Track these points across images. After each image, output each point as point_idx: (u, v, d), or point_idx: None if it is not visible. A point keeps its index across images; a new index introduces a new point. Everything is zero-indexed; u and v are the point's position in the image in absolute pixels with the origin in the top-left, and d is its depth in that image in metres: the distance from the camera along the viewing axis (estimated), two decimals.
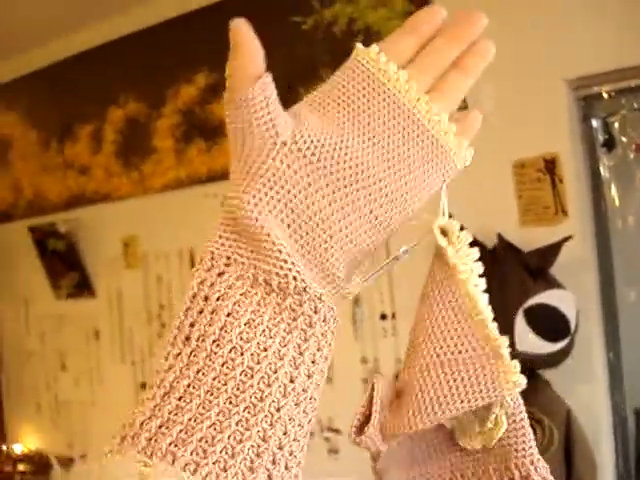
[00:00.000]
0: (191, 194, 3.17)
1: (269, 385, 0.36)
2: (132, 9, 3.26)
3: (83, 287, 3.56)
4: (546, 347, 2.10)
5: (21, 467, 3.66)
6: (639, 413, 2.73)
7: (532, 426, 1.74)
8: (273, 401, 0.36)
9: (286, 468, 0.36)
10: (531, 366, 2.14)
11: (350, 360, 2.66)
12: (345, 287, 0.44)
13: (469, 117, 0.48)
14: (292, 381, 0.37)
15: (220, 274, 0.40)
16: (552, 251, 2.10)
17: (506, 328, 2.08)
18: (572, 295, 2.12)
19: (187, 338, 0.39)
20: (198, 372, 0.37)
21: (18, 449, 3.79)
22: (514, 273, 2.13)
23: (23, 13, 3.22)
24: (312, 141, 0.43)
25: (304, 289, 0.39)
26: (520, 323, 2.09)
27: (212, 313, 0.39)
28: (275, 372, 0.37)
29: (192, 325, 0.39)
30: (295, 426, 0.37)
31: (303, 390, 0.38)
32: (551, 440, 2.04)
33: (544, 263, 2.12)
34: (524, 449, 0.50)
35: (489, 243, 2.21)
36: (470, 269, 0.48)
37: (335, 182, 0.42)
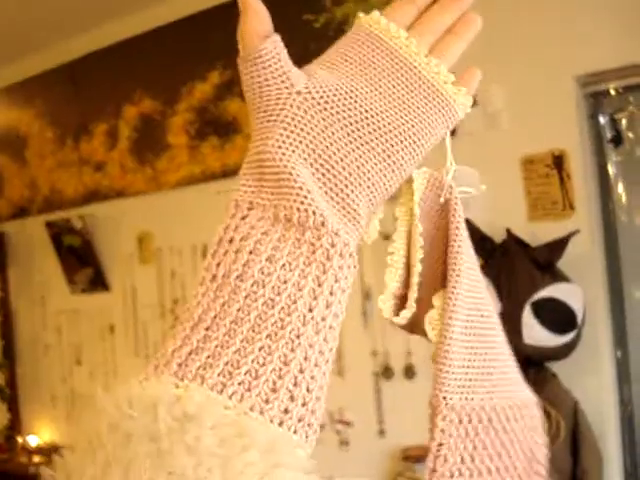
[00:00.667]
0: (204, 190, 3.21)
1: (289, 314, 0.39)
2: (146, 8, 3.31)
3: (98, 282, 3.61)
4: (554, 340, 2.13)
5: (36, 459, 3.72)
6: None
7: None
8: (293, 329, 0.39)
9: (307, 390, 0.39)
10: (539, 358, 2.17)
11: (360, 353, 2.69)
12: (363, 228, 0.47)
13: (468, 71, 0.52)
14: (311, 310, 0.40)
15: (243, 217, 0.44)
16: (559, 245, 2.13)
17: (514, 321, 2.12)
18: (579, 288, 2.15)
19: (214, 277, 0.42)
20: (224, 305, 0.40)
21: (33, 441, 3.85)
22: (522, 267, 2.17)
23: (39, 12, 3.28)
24: (324, 90, 0.47)
25: (322, 223, 0.42)
26: (528, 316, 2.12)
27: (236, 252, 0.42)
28: (295, 302, 0.40)
29: (218, 265, 0.42)
30: (315, 352, 0.40)
31: (322, 319, 0.41)
32: (558, 432, 2.07)
33: (552, 257, 2.15)
34: None
35: (498, 238, 2.24)
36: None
37: (349, 126, 0.46)
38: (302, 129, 0.45)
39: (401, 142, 0.47)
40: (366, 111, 0.47)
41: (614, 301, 2.39)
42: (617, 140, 2.31)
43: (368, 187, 0.46)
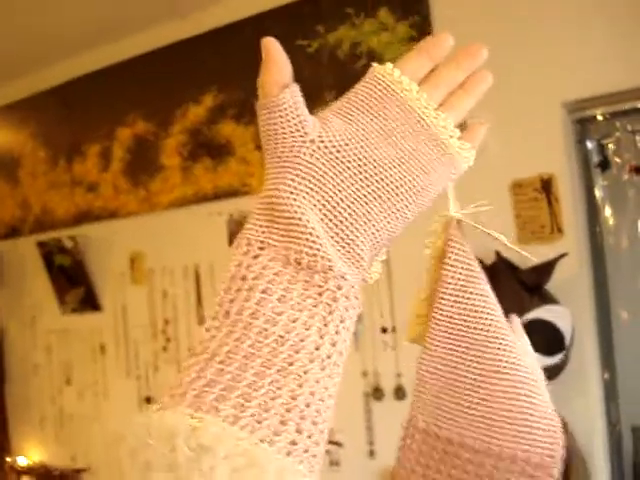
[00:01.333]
0: (197, 212, 3.24)
1: (297, 351, 0.42)
2: (141, 31, 3.35)
3: (88, 302, 3.61)
4: (542, 361, 2.16)
5: (25, 479, 3.70)
6: (636, 430, 2.77)
7: None
8: (301, 365, 0.42)
9: (313, 423, 0.41)
10: None
11: (351, 373, 2.71)
12: (367, 271, 0.50)
13: (474, 127, 0.56)
14: (317, 348, 0.43)
15: (255, 257, 0.46)
16: (548, 268, 2.17)
17: None
18: (567, 310, 2.18)
19: (227, 312, 0.44)
20: (237, 340, 0.42)
21: (22, 461, 3.83)
22: (511, 289, 2.20)
23: (32, 33, 3.31)
24: (336, 139, 0.50)
25: (330, 267, 0.45)
26: None
27: (249, 290, 0.44)
28: (303, 340, 0.42)
29: (231, 302, 0.45)
30: (320, 387, 0.42)
31: (327, 356, 0.43)
32: None
33: (540, 279, 2.19)
34: None
35: (487, 260, 2.28)
36: None
37: (358, 174, 0.49)
38: (313, 176, 0.48)
39: (406, 192, 0.50)
40: (375, 161, 0.50)
41: (602, 323, 2.43)
42: (604, 165, 2.36)
43: (373, 233, 0.49)
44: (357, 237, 0.48)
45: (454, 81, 0.55)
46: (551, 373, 2.21)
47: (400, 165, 0.50)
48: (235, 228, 3.12)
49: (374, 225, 0.49)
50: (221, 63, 3.12)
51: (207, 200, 3.23)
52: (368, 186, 0.49)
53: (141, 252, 3.44)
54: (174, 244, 3.29)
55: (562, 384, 2.24)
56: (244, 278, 0.45)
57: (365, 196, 0.49)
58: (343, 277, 0.46)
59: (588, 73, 2.25)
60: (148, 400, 3.36)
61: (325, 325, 0.44)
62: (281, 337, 0.42)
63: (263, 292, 0.44)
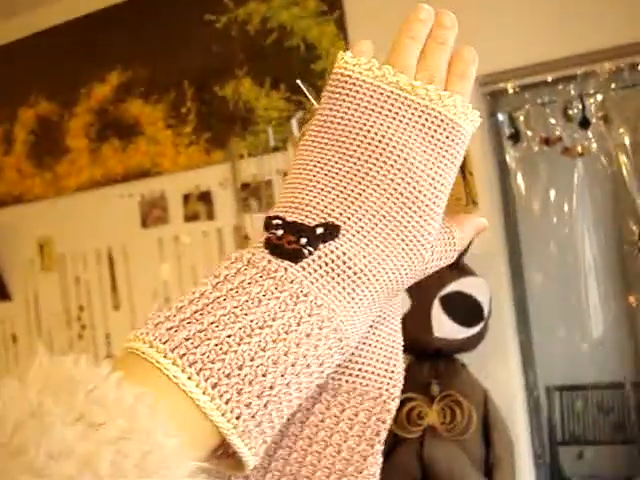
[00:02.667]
0: (107, 194, 3.15)
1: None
2: (41, 6, 3.19)
3: None
4: (462, 332, 2.20)
5: None
6: (549, 390, 2.87)
7: (452, 408, 1.83)
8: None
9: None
10: (449, 351, 2.24)
11: None
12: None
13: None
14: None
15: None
16: None
17: (424, 316, 2.18)
18: (485, 281, 2.22)
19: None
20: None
21: None
22: None
23: None
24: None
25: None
26: (437, 310, 2.18)
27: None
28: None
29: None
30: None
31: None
32: (470, 421, 2.13)
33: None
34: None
35: None
36: None
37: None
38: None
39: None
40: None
41: (517, 291, 2.49)
42: (515, 137, 2.40)
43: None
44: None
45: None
46: (472, 343, 2.25)
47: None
48: (147, 209, 3.05)
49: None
50: (126, 39, 3.01)
51: (117, 182, 3.15)
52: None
53: (50, 237, 3.32)
54: (85, 228, 3.19)
55: (482, 353, 2.29)
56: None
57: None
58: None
59: (499, 46, 2.27)
60: None
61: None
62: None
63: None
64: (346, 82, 0.49)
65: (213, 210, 2.91)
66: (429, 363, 2.26)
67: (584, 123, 2.39)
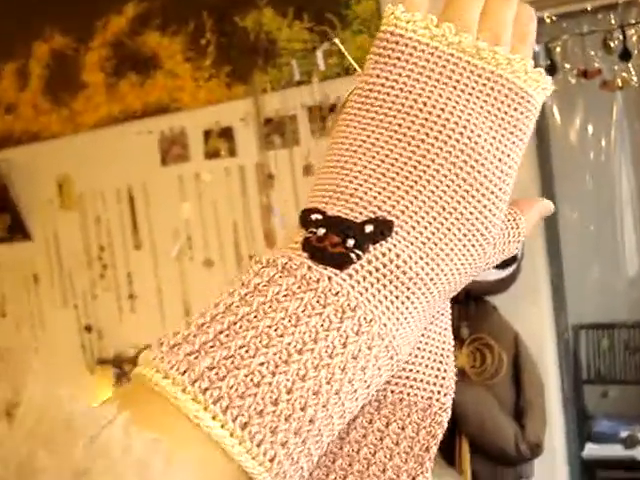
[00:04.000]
0: (125, 131, 3.08)
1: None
2: None
3: (17, 231, 3.44)
4: (494, 274, 2.13)
5: None
6: (575, 328, 2.82)
7: (482, 352, 1.78)
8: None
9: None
10: (479, 293, 2.17)
11: None
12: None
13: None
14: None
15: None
16: None
17: None
18: None
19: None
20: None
21: None
22: None
23: None
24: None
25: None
26: None
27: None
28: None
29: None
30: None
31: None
32: (501, 364, 2.09)
33: None
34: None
35: None
36: None
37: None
38: None
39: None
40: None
41: (550, 227, 2.41)
42: (552, 69, 2.28)
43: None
44: None
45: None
46: (503, 285, 2.19)
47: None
48: (167, 146, 2.97)
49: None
50: None
51: (136, 118, 3.07)
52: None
53: (69, 176, 3.27)
54: (104, 166, 3.12)
55: (513, 295, 2.23)
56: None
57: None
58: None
59: None
60: (88, 329, 3.25)
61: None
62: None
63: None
64: (397, 43, 0.40)
65: (235, 147, 2.83)
66: (459, 306, 2.20)
67: (625, 55, 2.27)
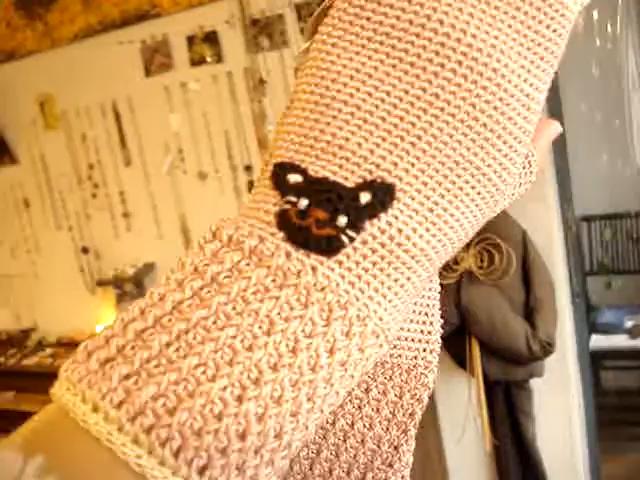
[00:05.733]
0: (105, 42, 2.93)
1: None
2: None
3: (1, 154, 3.34)
4: None
5: None
6: (579, 221, 2.78)
7: (489, 251, 1.71)
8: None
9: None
10: None
11: None
12: None
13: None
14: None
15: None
16: None
17: None
18: None
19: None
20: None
21: None
22: None
23: None
24: None
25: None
26: None
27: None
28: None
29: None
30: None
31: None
32: (509, 263, 2.04)
33: None
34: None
35: None
36: None
37: None
38: None
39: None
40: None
41: (554, 117, 2.32)
42: None
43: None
44: None
45: None
46: None
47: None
48: (150, 56, 2.84)
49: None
50: None
51: (115, 28, 2.92)
52: None
53: (50, 94, 3.14)
54: (85, 81, 3.00)
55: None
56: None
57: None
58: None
59: None
60: (85, 250, 3.20)
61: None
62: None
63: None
64: None
65: (221, 52, 2.69)
66: None
67: None
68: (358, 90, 0.29)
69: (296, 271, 0.26)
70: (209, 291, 0.26)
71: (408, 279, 0.29)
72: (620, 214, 3.05)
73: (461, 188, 0.29)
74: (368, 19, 0.30)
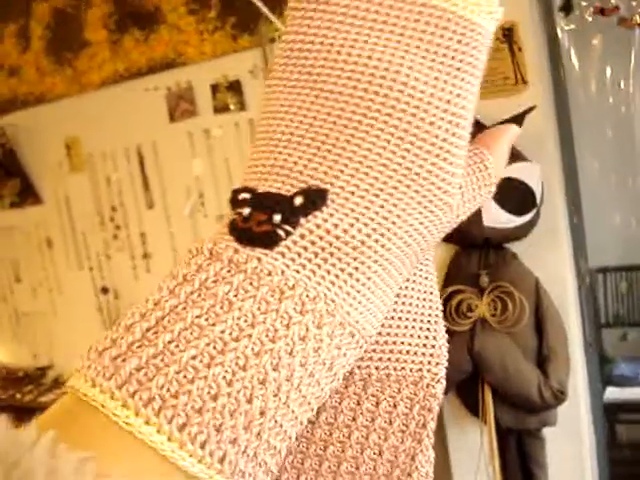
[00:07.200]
0: (131, 88, 3.02)
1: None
2: None
3: (28, 195, 3.42)
4: (513, 221, 2.09)
5: None
6: (592, 272, 2.79)
7: (503, 299, 1.74)
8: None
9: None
10: (499, 240, 2.14)
11: None
12: None
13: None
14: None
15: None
16: (516, 122, 2.05)
17: None
18: (537, 166, 2.09)
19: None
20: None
21: None
22: None
23: None
24: None
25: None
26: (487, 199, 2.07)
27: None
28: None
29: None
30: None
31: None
32: (522, 312, 2.06)
33: None
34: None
35: None
36: None
37: None
38: None
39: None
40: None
41: (569, 172, 2.36)
42: (567, 8, 2.21)
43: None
44: None
45: None
46: (523, 232, 2.15)
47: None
48: (174, 103, 2.92)
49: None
50: None
51: (141, 75, 3.01)
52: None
53: (76, 137, 3.23)
54: (111, 126, 3.08)
55: (533, 241, 2.19)
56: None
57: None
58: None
59: None
60: (104, 290, 3.25)
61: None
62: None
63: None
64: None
65: (244, 100, 2.77)
66: (478, 253, 2.17)
67: None
68: (292, 120, 0.35)
69: (244, 260, 0.31)
70: (180, 287, 0.32)
71: (356, 269, 0.32)
72: (636, 266, 3.07)
73: (395, 187, 0.33)
74: (294, 64, 0.36)
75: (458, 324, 2.11)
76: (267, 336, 0.30)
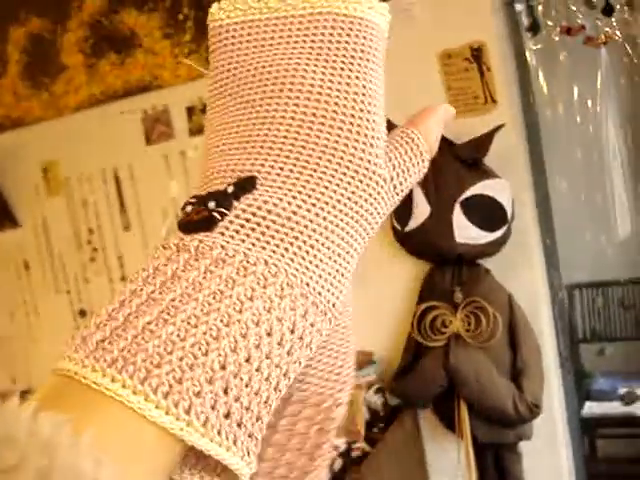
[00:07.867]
0: (108, 112, 3.04)
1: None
2: None
3: (4, 218, 3.41)
4: (485, 237, 2.12)
5: None
6: (569, 288, 2.82)
7: (476, 315, 1.77)
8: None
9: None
10: (471, 256, 2.16)
11: None
12: None
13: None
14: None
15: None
16: (485, 141, 2.09)
17: (445, 221, 2.10)
18: (507, 183, 2.13)
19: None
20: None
21: None
22: (449, 166, 2.12)
23: None
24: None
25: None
26: (458, 215, 2.10)
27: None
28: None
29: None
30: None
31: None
32: (496, 327, 2.08)
33: (478, 154, 2.12)
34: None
35: None
36: None
37: None
38: None
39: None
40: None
41: (539, 192, 2.40)
42: (534, 28, 2.26)
43: None
44: None
45: None
46: (495, 248, 2.18)
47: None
48: (151, 125, 2.94)
49: None
50: None
51: (117, 98, 3.03)
52: None
53: (53, 161, 3.23)
54: (88, 149, 3.09)
55: (505, 257, 2.22)
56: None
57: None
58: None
59: None
60: (82, 313, 3.24)
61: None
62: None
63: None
64: (219, 34, 0.43)
65: None
66: (451, 270, 2.20)
67: (607, 10, 2.25)
68: (223, 136, 0.40)
69: (188, 243, 0.36)
70: (154, 276, 0.35)
71: (296, 238, 0.36)
72: (610, 282, 3.10)
73: (317, 163, 0.38)
74: (221, 94, 0.42)
75: (433, 340, 2.13)
76: (235, 308, 0.33)
